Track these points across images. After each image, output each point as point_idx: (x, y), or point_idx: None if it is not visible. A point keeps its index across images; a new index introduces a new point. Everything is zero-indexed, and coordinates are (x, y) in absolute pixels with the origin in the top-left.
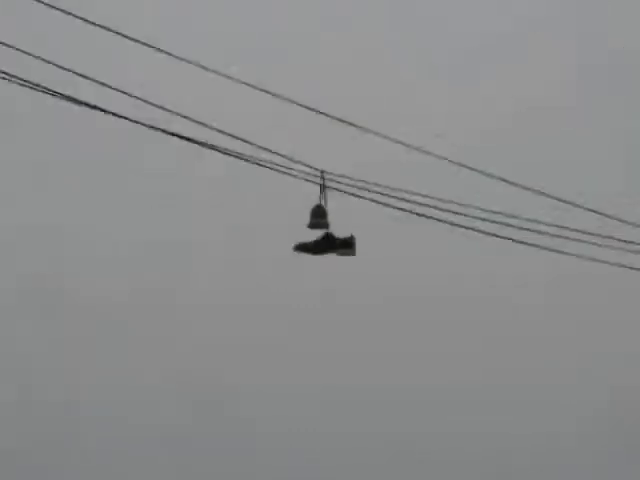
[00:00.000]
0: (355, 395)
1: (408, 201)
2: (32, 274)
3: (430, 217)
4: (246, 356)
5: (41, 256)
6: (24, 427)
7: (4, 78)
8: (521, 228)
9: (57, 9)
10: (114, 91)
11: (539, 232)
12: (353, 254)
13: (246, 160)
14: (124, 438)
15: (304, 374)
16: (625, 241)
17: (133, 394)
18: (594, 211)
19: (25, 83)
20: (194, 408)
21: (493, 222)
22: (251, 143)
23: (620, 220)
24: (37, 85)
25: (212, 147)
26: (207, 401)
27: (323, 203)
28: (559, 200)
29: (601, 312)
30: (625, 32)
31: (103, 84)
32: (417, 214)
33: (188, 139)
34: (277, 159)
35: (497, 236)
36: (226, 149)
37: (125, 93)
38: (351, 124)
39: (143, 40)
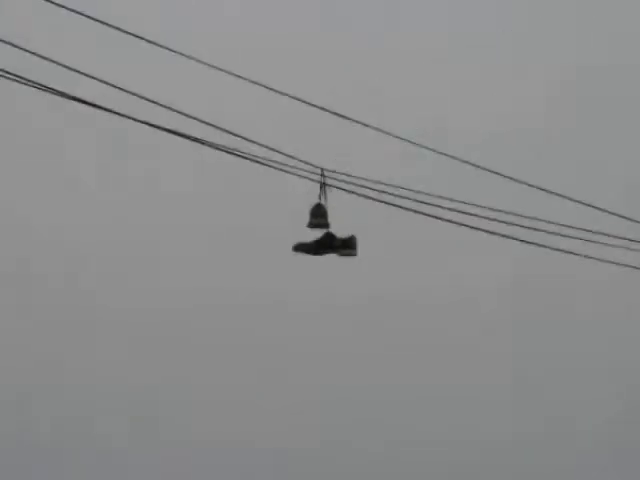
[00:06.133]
0: (355, 395)
1: (411, 200)
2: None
3: (434, 216)
4: (246, 356)
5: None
6: None
7: (4, 77)
8: (526, 227)
9: (60, 6)
10: (113, 90)
11: (544, 232)
12: (354, 254)
13: (244, 157)
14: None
15: (304, 374)
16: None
17: (132, 394)
18: (603, 210)
19: (26, 82)
20: (193, 408)
21: (498, 221)
22: (249, 140)
23: (627, 219)
24: (38, 84)
25: (210, 144)
26: (206, 401)
27: (323, 202)
28: (566, 199)
29: (606, 312)
30: (625, 31)
31: (103, 82)
32: (420, 213)
33: (185, 136)
34: (276, 156)
35: (501, 235)
36: (224, 146)
37: (124, 91)
38: (352, 120)
39: (139, 35)
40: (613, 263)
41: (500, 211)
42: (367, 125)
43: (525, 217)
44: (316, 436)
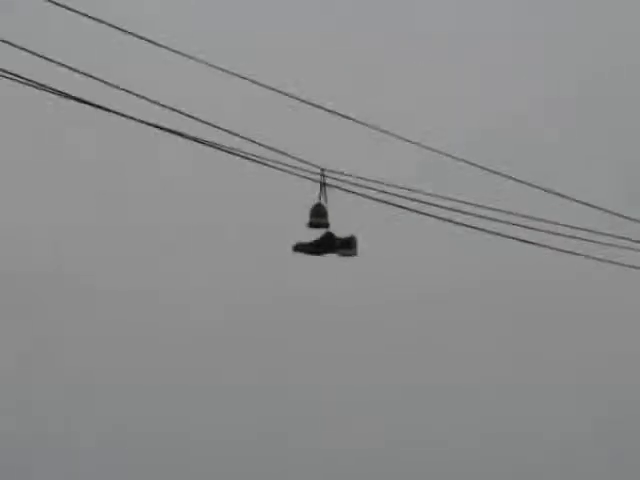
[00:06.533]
0: (355, 396)
1: (411, 199)
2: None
3: (433, 216)
4: (245, 356)
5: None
6: None
7: (4, 77)
8: (526, 227)
9: (61, 5)
10: (113, 89)
11: (544, 231)
12: (354, 254)
13: (244, 157)
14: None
15: (304, 374)
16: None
17: (131, 395)
18: (603, 209)
19: (26, 82)
20: (193, 409)
21: (498, 221)
22: (249, 140)
23: (628, 218)
24: (38, 84)
25: (210, 144)
26: (206, 401)
27: (323, 202)
28: (569, 199)
29: (608, 312)
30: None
31: (103, 82)
32: (420, 213)
33: (185, 136)
34: (276, 156)
35: (501, 235)
36: (224, 146)
37: (124, 91)
38: (352, 120)
39: (139, 35)
40: (613, 263)
41: (500, 211)
42: (367, 125)
43: (525, 217)
44: (315, 436)
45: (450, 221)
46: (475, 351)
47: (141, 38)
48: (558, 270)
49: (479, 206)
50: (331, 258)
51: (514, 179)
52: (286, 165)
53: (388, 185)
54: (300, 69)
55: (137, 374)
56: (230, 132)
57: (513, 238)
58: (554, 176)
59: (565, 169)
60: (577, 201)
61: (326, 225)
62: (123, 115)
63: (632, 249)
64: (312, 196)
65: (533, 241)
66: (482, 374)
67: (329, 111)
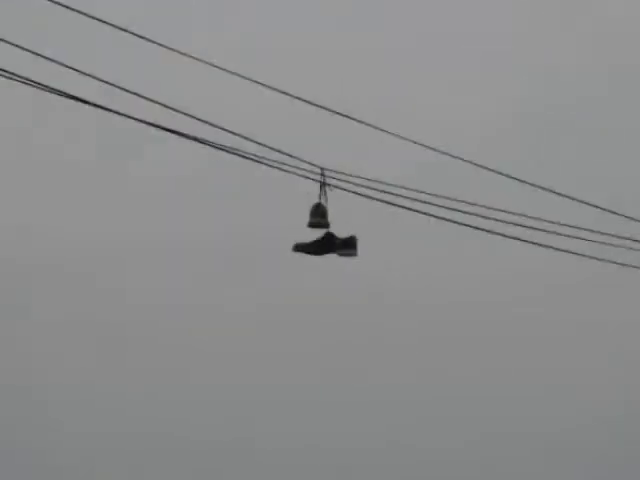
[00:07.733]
0: (354, 395)
1: (411, 199)
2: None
3: (434, 216)
4: (245, 356)
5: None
6: None
7: (4, 76)
8: (527, 227)
9: (61, 5)
10: (113, 90)
11: (544, 231)
12: (354, 254)
13: (243, 157)
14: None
15: (303, 374)
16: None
17: (129, 397)
18: (603, 209)
19: (27, 82)
20: (192, 409)
21: (499, 221)
22: (248, 139)
23: (630, 218)
24: (38, 84)
25: (210, 144)
26: (205, 401)
27: (323, 201)
28: (570, 198)
29: (607, 313)
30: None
31: (104, 82)
32: (420, 212)
33: (185, 136)
34: (276, 156)
35: (501, 235)
36: (222, 145)
37: (124, 90)
38: (353, 119)
39: (139, 35)
40: (613, 263)
41: (500, 211)
42: (368, 125)
43: (526, 217)
44: (314, 437)
45: (450, 221)
46: (476, 350)
47: (142, 38)
48: (559, 270)
49: (479, 206)
50: (331, 258)
51: (514, 179)
52: (286, 165)
53: (388, 185)
54: (300, 69)
55: (131, 376)
56: (230, 132)
57: (514, 238)
58: (555, 176)
59: (565, 168)
60: (578, 200)
61: (326, 225)
62: (123, 115)
63: (632, 249)
64: (312, 196)
65: (533, 241)
66: (483, 374)
67: (329, 111)
